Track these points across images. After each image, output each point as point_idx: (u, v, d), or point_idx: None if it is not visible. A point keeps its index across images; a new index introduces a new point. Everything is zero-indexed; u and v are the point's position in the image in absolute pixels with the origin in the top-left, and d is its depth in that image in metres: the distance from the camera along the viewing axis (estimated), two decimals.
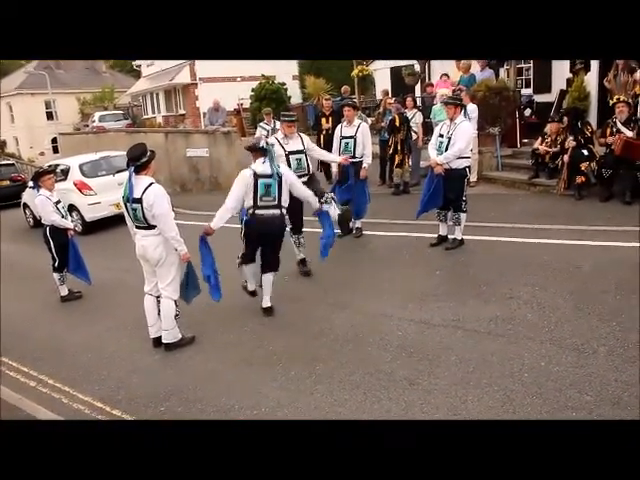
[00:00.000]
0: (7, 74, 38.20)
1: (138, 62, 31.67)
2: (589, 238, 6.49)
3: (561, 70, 11.60)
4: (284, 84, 21.92)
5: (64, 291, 7.28)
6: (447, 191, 6.62)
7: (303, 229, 6.61)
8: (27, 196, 12.47)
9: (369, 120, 11.24)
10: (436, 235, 7.07)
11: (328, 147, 8.31)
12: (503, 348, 4.37)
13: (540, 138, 9.41)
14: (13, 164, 20.60)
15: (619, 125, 7.96)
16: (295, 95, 23.21)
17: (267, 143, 5.58)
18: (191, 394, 4.40)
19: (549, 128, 9.26)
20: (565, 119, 9.02)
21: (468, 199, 6.80)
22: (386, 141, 10.55)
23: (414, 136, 10.55)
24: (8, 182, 18.04)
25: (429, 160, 7.04)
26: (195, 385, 4.53)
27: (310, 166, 6.47)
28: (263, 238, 5.47)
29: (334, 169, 7.73)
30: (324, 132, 10.75)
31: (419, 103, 12.06)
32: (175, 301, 5.16)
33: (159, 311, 5.21)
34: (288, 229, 6.22)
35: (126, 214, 5.12)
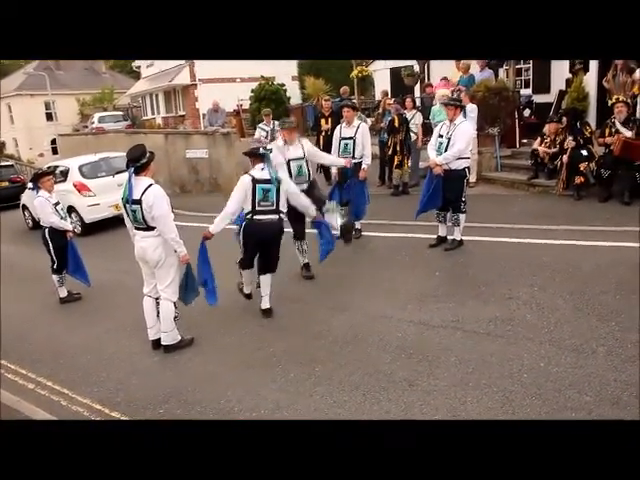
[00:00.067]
0: (7, 75, 38.20)
1: (137, 63, 31.67)
2: (588, 238, 6.50)
3: (560, 70, 11.62)
4: (283, 85, 21.91)
5: (63, 293, 7.27)
6: (446, 192, 6.62)
7: (305, 235, 6.58)
8: (26, 197, 12.46)
9: (368, 121, 11.24)
10: (435, 236, 7.07)
11: (327, 148, 8.31)
12: (502, 349, 4.37)
13: (539, 138, 9.43)
14: (12, 165, 20.60)
15: (618, 125, 7.97)
16: (294, 96, 23.19)
17: (265, 149, 5.59)
18: (190, 396, 4.39)
19: (548, 128, 9.27)
20: (564, 119, 9.03)
21: (467, 200, 6.80)
22: (385, 142, 10.56)
23: (413, 137, 10.55)
24: (7, 183, 18.03)
25: (428, 161, 7.04)
26: (194, 387, 4.52)
27: (311, 173, 6.47)
28: (261, 243, 5.48)
29: (333, 170, 7.73)
30: (323, 133, 10.75)
31: (418, 104, 12.07)
32: (174, 303, 5.16)
33: (158, 313, 5.20)
34: (291, 236, 6.29)
35: (125, 215, 5.12)
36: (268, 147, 5.94)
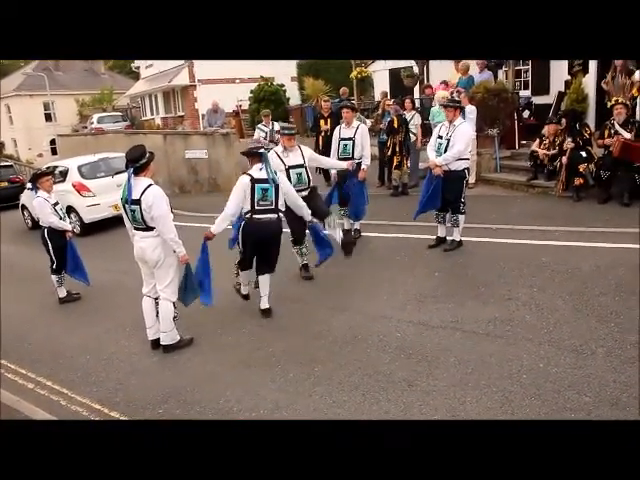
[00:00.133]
0: (6, 75, 38.18)
1: (137, 64, 31.68)
2: (587, 239, 6.50)
3: (559, 72, 11.63)
4: (283, 85, 21.92)
5: (62, 293, 7.26)
6: (446, 192, 6.62)
7: (305, 239, 6.58)
8: (25, 198, 12.46)
9: (368, 122, 11.24)
10: (434, 237, 7.07)
11: (327, 149, 8.32)
12: (502, 349, 4.37)
13: (538, 140, 9.43)
14: (11, 165, 20.58)
15: (617, 127, 7.98)
16: (294, 97, 23.20)
17: (264, 147, 5.60)
18: (189, 396, 4.39)
19: (547, 130, 9.28)
20: (563, 121, 9.04)
21: (467, 200, 6.80)
22: (385, 143, 10.56)
23: (413, 138, 10.57)
24: (6, 184, 18.01)
25: (428, 162, 7.04)
26: (193, 387, 4.52)
27: (311, 180, 6.46)
28: (261, 242, 5.48)
29: (333, 171, 7.74)
30: (323, 134, 10.77)
31: (418, 105, 12.07)
32: (173, 303, 5.16)
33: (157, 313, 5.20)
34: (290, 240, 6.32)
35: (125, 216, 5.12)
36: (269, 147, 5.94)
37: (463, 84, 11.20)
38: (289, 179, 6.00)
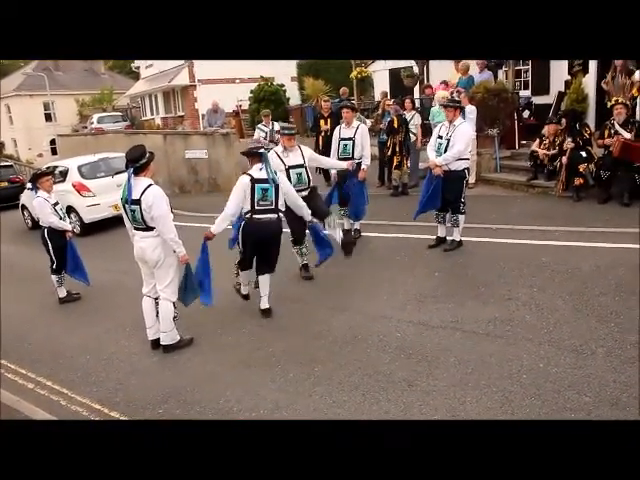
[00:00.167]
0: (6, 75, 38.18)
1: (137, 64, 31.68)
2: (587, 240, 6.50)
3: (559, 72, 11.63)
4: (283, 86, 21.93)
5: (62, 293, 7.26)
6: (446, 192, 6.62)
7: (305, 239, 6.58)
8: (25, 198, 12.46)
9: (368, 122, 11.25)
10: (434, 237, 7.07)
11: (327, 149, 8.31)
12: (502, 349, 4.37)
13: (538, 140, 9.43)
14: (11, 165, 20.58)
15: (617, 127, 7.98)
16: (294, 97, 23.21)
17: (264, 147, 5.60)
18: (189, 396, 4.39)
19: (547, 130, 9.28)
20: (563, 121, 9.04)
21: (467, 200, 6.80)
22: (385, 142, 10.56)
23: (413, 138, 10.57)
24: (6, 184, 18.02)
25: (428, 162, 7.04)
26: (193, 387, 4.52)
27: (311, 180, 6.45)
28: (261, 242, 5.48)
29: (333, 171, 7.74)
30: (323, 134, 10.77)
31: (418, 105, 12.07)
32: (173, 303, 5.16)
33: (157, 313, 5.20)
34: (290, 240, 6.32)
35: (125, 216, 5.12)
36: (268, 147, 5.94)
37: (463, 84, 11.20)
38: (289, 179, 6.00)
